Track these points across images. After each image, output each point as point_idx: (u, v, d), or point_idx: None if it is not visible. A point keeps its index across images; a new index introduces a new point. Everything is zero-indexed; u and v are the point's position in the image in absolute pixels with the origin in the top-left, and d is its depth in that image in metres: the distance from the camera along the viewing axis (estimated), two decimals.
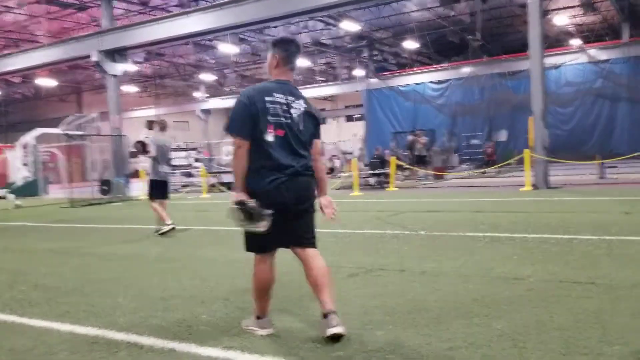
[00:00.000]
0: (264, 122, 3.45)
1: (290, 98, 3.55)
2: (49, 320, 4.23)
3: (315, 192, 3.67)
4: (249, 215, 3.36)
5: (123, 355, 3.41)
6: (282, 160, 3.48)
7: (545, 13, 17.06)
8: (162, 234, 8.87)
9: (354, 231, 8.11)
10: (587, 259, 5.38)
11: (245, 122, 3.45)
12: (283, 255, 3.66)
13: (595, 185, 14.21)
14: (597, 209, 9.31)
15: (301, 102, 3.60)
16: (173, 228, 8.93)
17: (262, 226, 3.36)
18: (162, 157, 9.06)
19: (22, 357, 3.48)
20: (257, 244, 3.55)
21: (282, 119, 3.49)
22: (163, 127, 9.31)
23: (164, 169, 9.14)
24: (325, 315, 3.42)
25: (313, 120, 3.66)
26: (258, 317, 3.69)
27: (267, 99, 3.48)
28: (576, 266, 5.11)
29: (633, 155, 16.51)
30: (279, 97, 3.51)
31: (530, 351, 3.10)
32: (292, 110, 3.53)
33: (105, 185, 20.24)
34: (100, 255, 7.41)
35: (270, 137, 3.45)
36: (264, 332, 3.64)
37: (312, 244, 3.63)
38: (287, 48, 3.64)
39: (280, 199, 3.45)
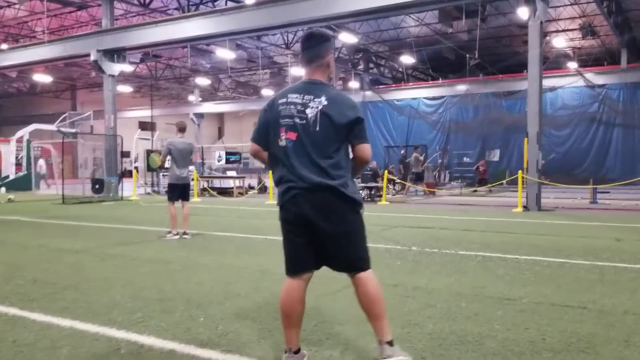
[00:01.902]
0: (277, 126, 3.16)
1: (307, 97, 3.11)
2: (49, 315, 4.29)
3: (353, 209, 3.18)
4: None
5: (125, 353, 3.46)
6: (296, 168, 3.09)
7: (544, 35, 17.28)
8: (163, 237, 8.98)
9: None
10: (578, 284, 5.46)
11: (260, 128, 3.27)
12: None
13: (587, 209, 14.34)
14: (589, 234, 9.42)
15: (322, 99, 3.09)
16: (183, 233, 9.01)
17: None
18: (179, 159, 9.03)
19: (27, 350, 3.52)
20: (286, 264, 3.21)
21: (295, 119, 3.10)
22: (180, 128, 9.23)
23: (181, 171, 9.09)
24: (379, 342, 3.17)
25: (334, 119, 3.07)
26: (285, 351, 3.19)
27: (280, 101, 3.18)
28: (568, 290, 5.18)
29: (626, 182, 16.71)
30: (293, 97, 3.15)
31: None
32: (308, 110, 3.09)
33: (97, 184, 20.20)
34: (93, 253, 7.42)
35: (282, 142, 3.13)
36: None
37: (359, 268, 3.15)
38: (302, 46, 3.30)
39: (299, 213, 3.10)
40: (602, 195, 17.08)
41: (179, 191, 9.17)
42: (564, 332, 3.86)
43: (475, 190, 22.16)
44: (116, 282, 5.52)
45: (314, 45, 3.27)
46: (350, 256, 3.16)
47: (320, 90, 3.15)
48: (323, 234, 3.08)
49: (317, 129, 3.07)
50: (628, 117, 26.37)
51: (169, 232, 9.01)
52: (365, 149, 3.18)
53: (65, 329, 3.94)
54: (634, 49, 26.56)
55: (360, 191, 19.11)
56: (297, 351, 3.19)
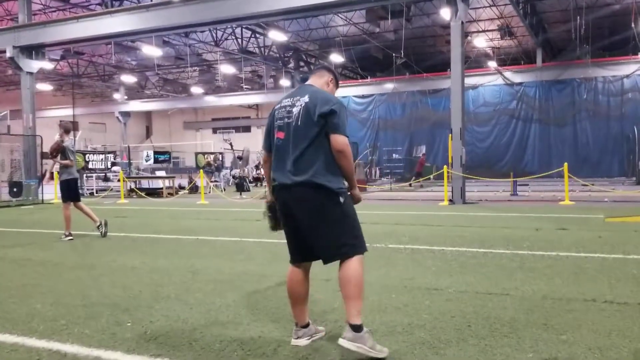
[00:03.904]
0: (274, 129, 3.46)
1: (295, 98, 3.42)
2: None
3: (329, 197, 3.28)
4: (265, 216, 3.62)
5: None
6: (278, 165, 3.42)
7: (466, 35, 17.85)
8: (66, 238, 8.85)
9: (280, 241, 8.13)
10: (501, 272, 5.68)
11: (265, 135, 3.59)
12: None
13: (508, 201, 14.96)
14: (510, 224, 9.82)
15: (305, 97, 3.38)
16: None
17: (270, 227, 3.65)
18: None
19: None
20: (289, 251, 3.56)
21: (285, 119, 3.39)
22: (67, 130, 9.12)
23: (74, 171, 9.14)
24: (346, 322, 3.29)
25: (311, 113, 3.28)
26: (295, 324, 3.57)
27: (277, 107, 3.50)
28: (491, 278, 5.38)
29: (543, 175, 17.56)
30: (285, 102, 3.47)
31: (450, 359, 3.26)
32: (294, 109, 3.36)
33: (15, 187, 19.25)
34: (12, 260, 7.07)
35: (276, 142, 3.43)
36: (294, 341, 3.52)
37: (344, 254, 3.30)
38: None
39: (282, 208, 3.45)
40: (521, 187, 17.89)
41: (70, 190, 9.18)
42: (488, 319, 4.01)
43: (410, 185, 22.60)
44: (37, 289, 5.27)
45: (323, 67, 3.76)
46: (330, 244, 3.32)
47: (307, 90, 3.44)
48: (302, 226, 3.35)
49: (299, 123, 3.31)
50: (543, 113, 27.75)
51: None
52: (337, 139, 3.26)
53: None
54: (548, 48, 27.91)
55: None
56: (305, 325, 3.53)
